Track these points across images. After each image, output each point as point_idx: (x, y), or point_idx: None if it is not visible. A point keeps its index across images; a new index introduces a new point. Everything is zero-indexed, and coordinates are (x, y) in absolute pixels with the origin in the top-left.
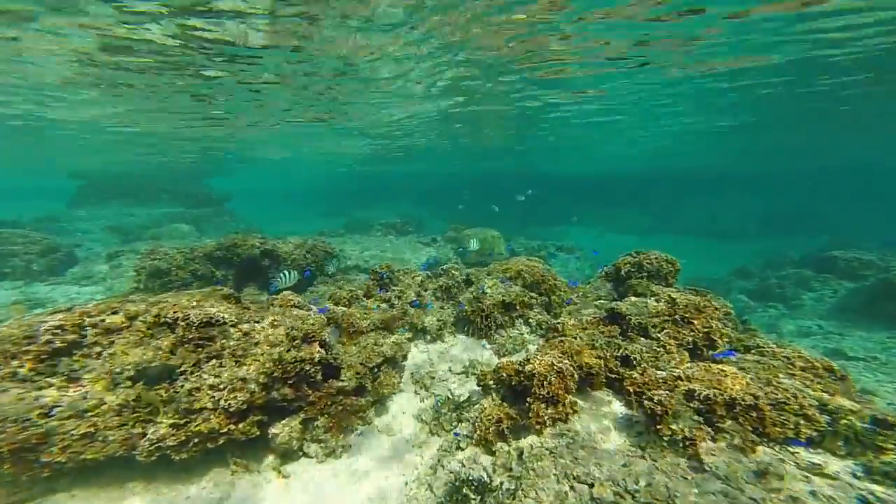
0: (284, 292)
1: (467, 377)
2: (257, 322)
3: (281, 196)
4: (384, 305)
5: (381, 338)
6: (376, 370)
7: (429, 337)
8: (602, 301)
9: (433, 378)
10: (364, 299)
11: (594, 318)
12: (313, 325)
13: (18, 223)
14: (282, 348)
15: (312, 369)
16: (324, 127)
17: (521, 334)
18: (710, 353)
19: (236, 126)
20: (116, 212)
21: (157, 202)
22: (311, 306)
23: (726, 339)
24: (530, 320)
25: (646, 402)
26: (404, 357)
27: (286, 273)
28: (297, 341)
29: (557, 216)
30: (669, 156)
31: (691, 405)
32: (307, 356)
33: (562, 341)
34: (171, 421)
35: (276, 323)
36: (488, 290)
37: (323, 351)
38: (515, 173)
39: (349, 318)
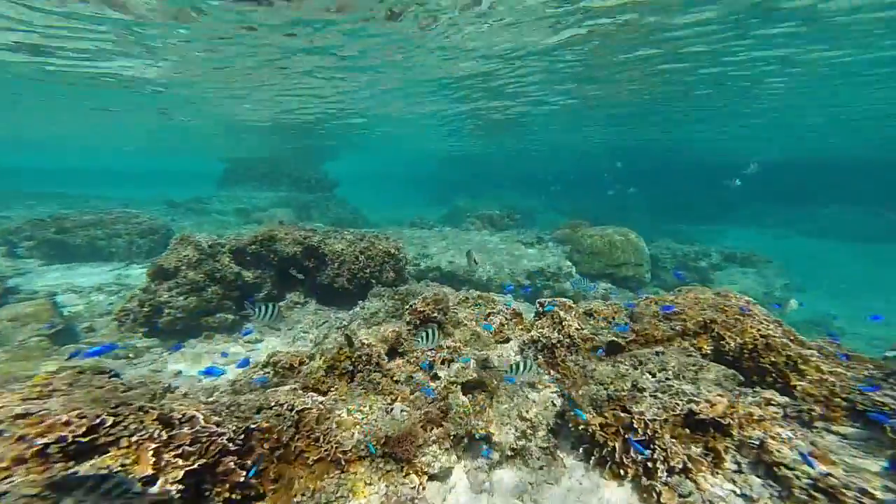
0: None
1: None
2: None
3: (394, 182)
4: (419, 376)
5: (381, 482)
6: None
7: (496, 456)
8: None
9: None
10: (382, 363)
11: None
12: None
13: (173, 202)
14: None
15: None
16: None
17: (751, 498)
18: None
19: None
20: (250, 194)
21: (279, 186)
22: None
23: None
24: (781, 460)
25: None
26: None
27: (262, 308)
28: None
29: (713, 212)
30: None
31: None
32: None
33: None
34: None
35: None
36: (644, 381)
37: None
38: (658, 156)
39: (316, 426)
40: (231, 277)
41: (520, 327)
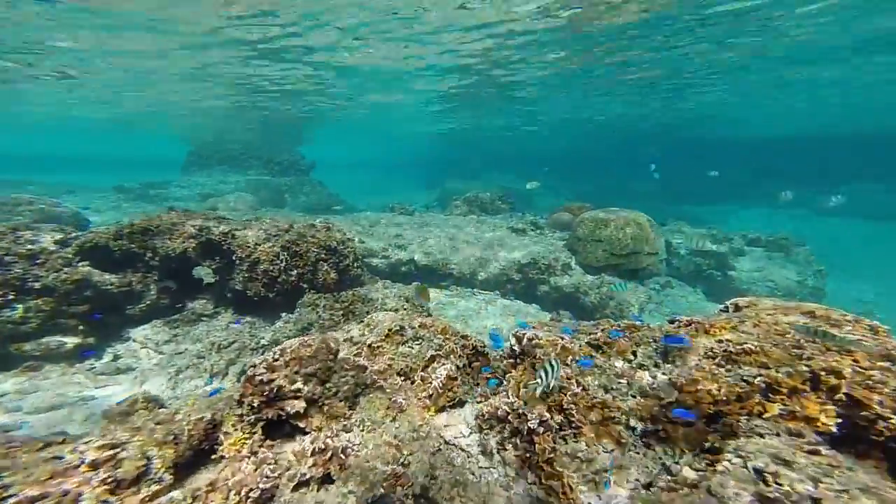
0: None
1: None
2: None
3: (383, 168)
4: None
5: None
6: None
7: None
8: None
9: None
10: None
11: None
12: None
13: (123, 188)
14: None
15: None
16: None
17: None
18: None
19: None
20: (217, 178)
21: (249, 169)
22: None
23: None
24: None
25: None
26: None
27: None
28: None
29: (719, 191)
30: None
31: None
32: None
33: None
34: None
35: None
36: None
37: None
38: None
39: None
40: (67, 288)
41: (483, 380)
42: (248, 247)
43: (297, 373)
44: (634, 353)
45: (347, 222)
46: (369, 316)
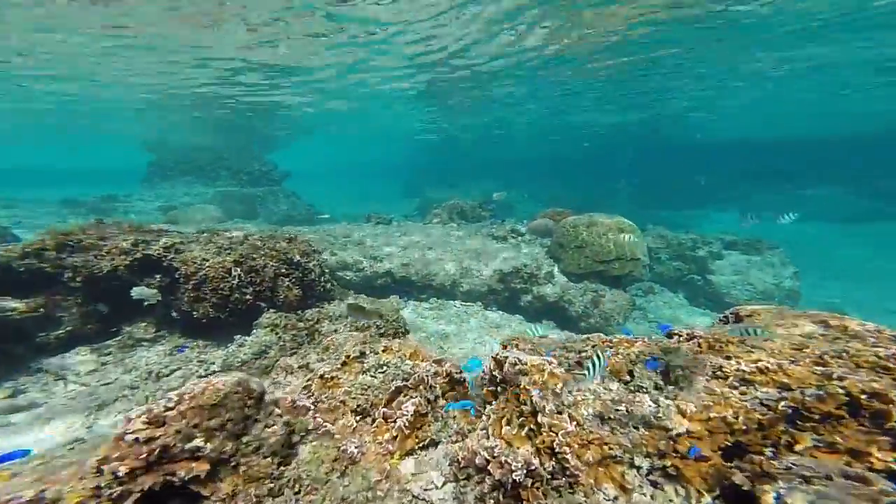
0: None
1: None
2: None
3: (361, 176)
4: None
5: None
6: None
7: None
8: None
9: None
10: None
11: None
12: None
13: (73, 201)
14: None
15: None
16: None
17: None
18: None
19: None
20: (182, 190)
21: (217, 180)
22: None
23: None
24: None
25: None
26: None
27: None
28: None
29: (692, 196)
30: None
31: None
32: None
33: None
34: None
35: None
36: None
37: None
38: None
39: None
40: None
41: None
42: (195, 262)
43: (196, 426)
44: (631, 374)
45: (318, 233)
46: (329, 338)
